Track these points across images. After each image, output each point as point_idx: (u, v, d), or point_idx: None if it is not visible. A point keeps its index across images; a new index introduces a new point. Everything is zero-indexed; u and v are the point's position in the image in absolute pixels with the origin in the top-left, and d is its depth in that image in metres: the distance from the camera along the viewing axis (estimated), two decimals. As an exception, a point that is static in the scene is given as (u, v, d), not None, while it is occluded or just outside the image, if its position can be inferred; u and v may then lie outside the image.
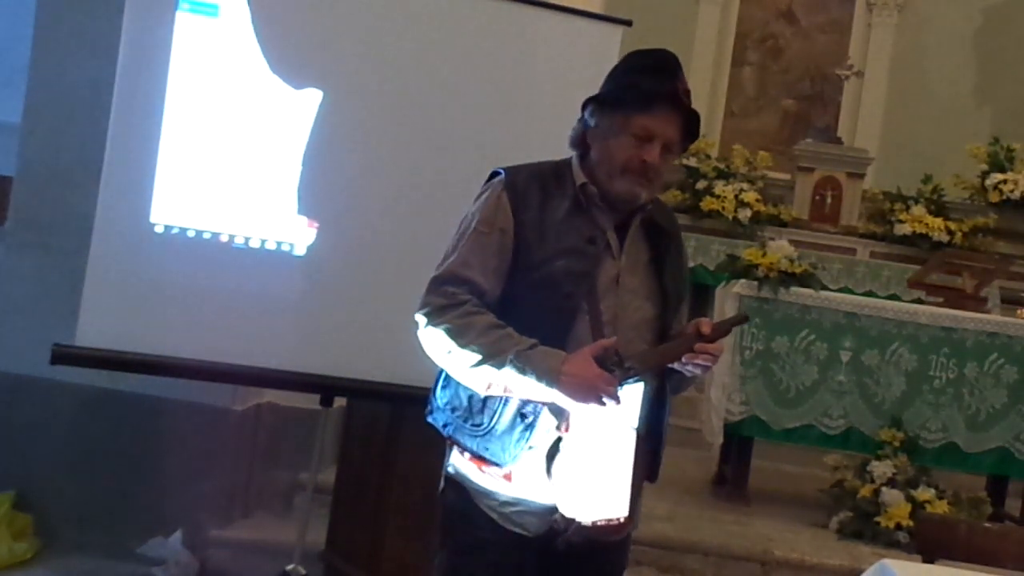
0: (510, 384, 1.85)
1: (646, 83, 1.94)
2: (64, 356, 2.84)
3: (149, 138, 2.90)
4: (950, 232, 7.01)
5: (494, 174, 2.02)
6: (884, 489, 4.19)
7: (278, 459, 3.99)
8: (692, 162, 7.37)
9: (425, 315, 1.92)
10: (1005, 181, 7.12)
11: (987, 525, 3.17)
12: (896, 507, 4.12)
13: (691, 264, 6.64)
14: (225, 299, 2.93)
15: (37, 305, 3.65)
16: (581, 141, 2.01)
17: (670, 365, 1.93)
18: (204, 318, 2.91)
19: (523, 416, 1.88)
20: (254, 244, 2.96)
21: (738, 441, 4.64)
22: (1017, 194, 7.08)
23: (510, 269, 1.93)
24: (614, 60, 3.17)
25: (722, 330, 1.95)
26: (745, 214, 7.00)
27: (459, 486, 1.98)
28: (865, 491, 4.23)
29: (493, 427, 1.91)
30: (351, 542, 3.35)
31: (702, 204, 7.07)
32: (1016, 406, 4.47)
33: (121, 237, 2.89)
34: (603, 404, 1.84)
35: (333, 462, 3.75)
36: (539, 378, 1.83)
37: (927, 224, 7.02)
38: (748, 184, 7.19)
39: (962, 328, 4.50)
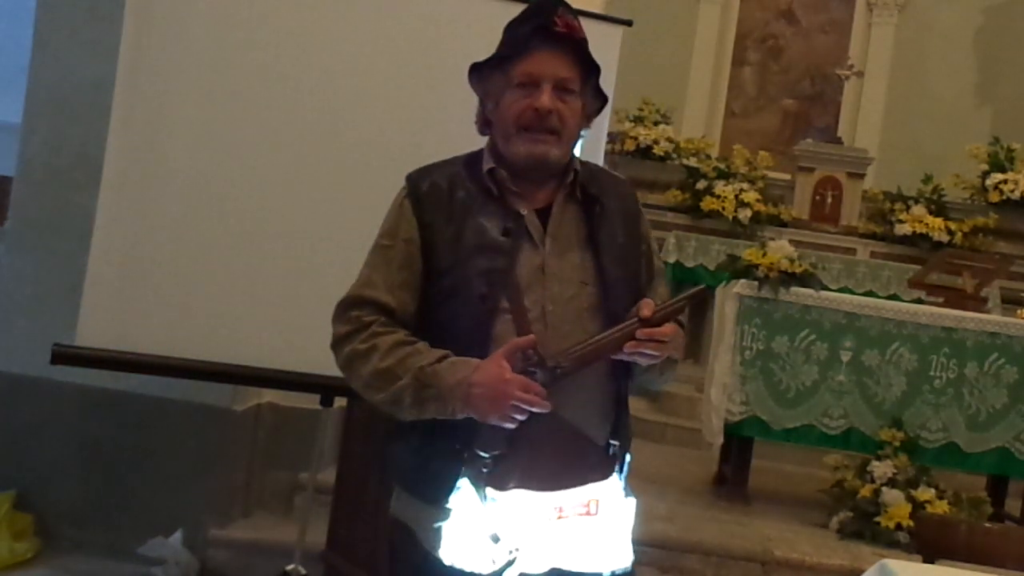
0: (425, 405, 1.67)
1: (517, 29, 1.77)
2: (64, 356, 2.84)
3: (149, 138, 2.90)
4: (950, 232, 7.02)
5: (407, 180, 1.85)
6: (884, 489, 4.19)
7: (278, 459, 3.99)
8: (692, 162, 7.38)
9: (333, 346, 1.78)
10: (1005, 181, 7.13)
11: (987, 525, 3.17)
12: (896, 507, 4.12)
13: (691, 264, 6.66)
14: (225, 299, 2.93)
15: (37, 305, 3.65)
16: (485, 121, 1.83)
17: (616, 357, 1.69)
18: (204, 318, 2.91)
19: (457, 438, 1.68)
20: (255, 244, 2.96)
21: (738, 441, 4.64)
22: (1017, 194, 7.09)
23: (423, 280, 1.76)
24: (615, 60, 3.19)
25: (672, 310, 1.71)
26: (745, 214, 7.00)
27: (403, 527, 1.81)
28: (865, 491, 4.22)
29: (427, 457, 1.73)
30: (351, 542, 3.35)
31: (702, 204, 7.08)
32: (1016, 406, 4.47)
33: (121, 237, 2.89)
34: (520, 416, 1.61)
35: (333, 462, 3.75)
36: (449, 393, 1.64)
37: (927, 224, 7.02)
38: (748, 184, 7.20)
39: (962, 328, 4.49)
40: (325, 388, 3.00)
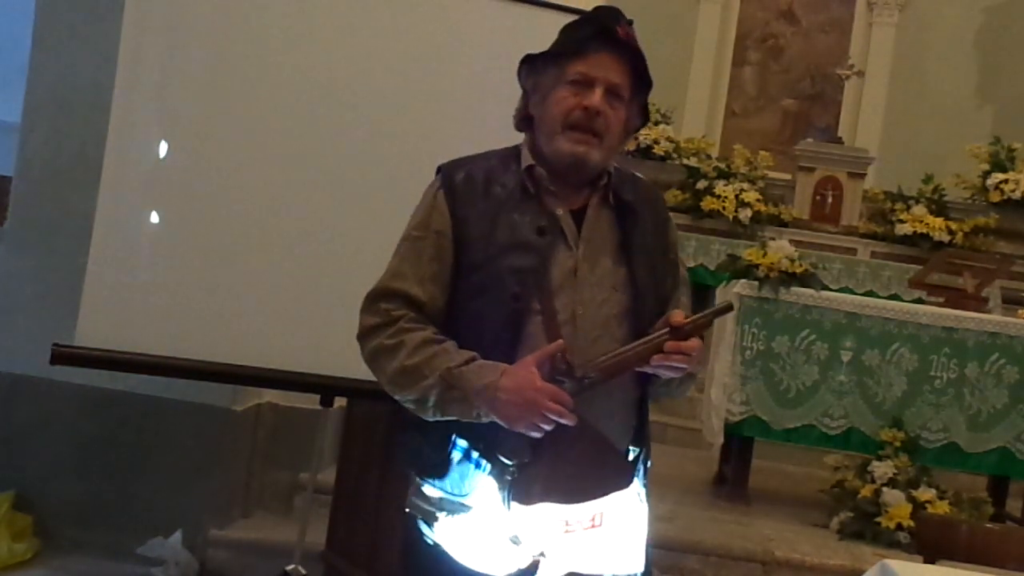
0: (448, 407, 1.66)
1: (578, 30, 1.77)
2: (64, 356, 2.83)
3: (149, 138, 2.89)
4: (951, 232, 7.01)
5: (438, 171, 1.83)
6: (885, 489, 4.19)
7: (278, 459, 3.99)
8: (692, 162, 7.38)
9: (360, 338, 1.75)
10: (1006, 181, 7.12)
11: (988, 525, 3.17)
12: (897, 507, 4.11)
13: (692, 264, 6.66)
14: (226, 299, 2.93)
15: (37, 305, 3.65)
16: (525, 116, 1.81)
17: (641, 370, 1.68)
18: (204, 318, 2.91)
19: (480, 437, 1.67)
20: (255, 243, 2.96)
21: (738, 441, 4.63)
22: (1018, 194, 7.08)
23: (453, 275, 1.74)
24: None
25: (701, 323, 1.68)
26: (746, 214, 7.00)
27: (418, 522, 1.78)
28: (866, 491, 4.22)
29: (449, 454, 1.71)
30: (351, 542, 3.35)
31: (703, 204, 7.07)
32: (1017, 406, 4.46)
33: (121, 237, 2.89)
34: (547, 427, 1.60)
35: (333, 462, 3.75)
36: (475, 397, 1.62)
37: (928, 224, 7.02)
38: (749, 184, 7.19)
39: (963, 328, 4.49)
40: (325, 388, 3.00)
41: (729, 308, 1.85)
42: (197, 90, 2.92)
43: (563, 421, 1.60)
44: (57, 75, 3.73)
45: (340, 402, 3.25)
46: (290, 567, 3.01)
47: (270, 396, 3.91)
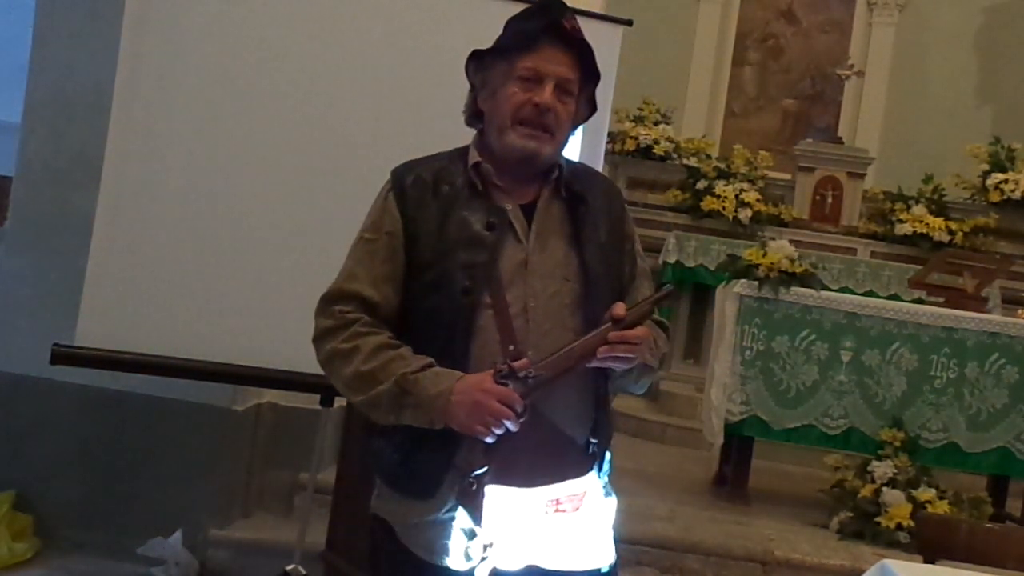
0: (403, 412, 1.66)
1: (525, 24, 1.77)
2: (64, 356, 2.83)
3: (148, 138, 2.89)
4: (951, 232, 7.02)
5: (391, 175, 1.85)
6: (885, 489, 4.19)
7: (278, 459, 3.99)
8: (692, 162, 7.39)
9: (315, 341, 1.76)
10: (1006, 181, 7.12)
11: (988, 525, 3.17)
12: (897, 507, 4.12)
13: (691, 264, 6.66)
14: (226, 299, 2.93)
15: (37, 305, 3.65)
16: (474, 112, 1.82)
17: (590, 365, 1.68)
18: (204, 318, 2.91)
19: (445, 440, 1.66)
20: (254, 243, 2.96)
21: (738, 441, 4.64)
22: (1018, 194, 7.08)
23: (406, 275, 1.75)
24: (615, 60, 3.19)
25: (643, 311, 1.71)
26: (746, 214, 7.00)
27: (383, 524, 1.78)
28: (866, 491, 4.23)
29: (410, 455, 1.72)
30: (351, 542, 3.35)
31: (702, 204, 7.08)
32: (1017, 406, 4.47)
33: (121, 237, 2.89)
34: (497, 430, 1.61)
35: (333, 462, 3.75)
36: (430, 403, 1.63)
37: (928, 224, 7.02)
38: (749, 184, 7.19)
39: (963, 328, 4.49)
40: (325, 388, 2.98)
41: (669, 293, 1.85)
42: (197, 90, 2.92)
43: (508, 424, 1.61)
44: (57, 75, 3.73)
45: (340, 402, 3.25)
46: (290, 567, 3.01)
47: (270, 396, 3.91)
